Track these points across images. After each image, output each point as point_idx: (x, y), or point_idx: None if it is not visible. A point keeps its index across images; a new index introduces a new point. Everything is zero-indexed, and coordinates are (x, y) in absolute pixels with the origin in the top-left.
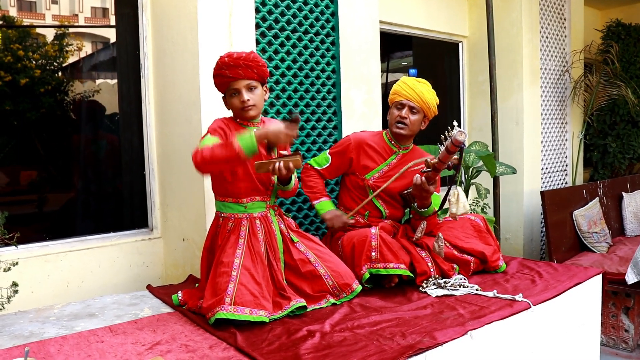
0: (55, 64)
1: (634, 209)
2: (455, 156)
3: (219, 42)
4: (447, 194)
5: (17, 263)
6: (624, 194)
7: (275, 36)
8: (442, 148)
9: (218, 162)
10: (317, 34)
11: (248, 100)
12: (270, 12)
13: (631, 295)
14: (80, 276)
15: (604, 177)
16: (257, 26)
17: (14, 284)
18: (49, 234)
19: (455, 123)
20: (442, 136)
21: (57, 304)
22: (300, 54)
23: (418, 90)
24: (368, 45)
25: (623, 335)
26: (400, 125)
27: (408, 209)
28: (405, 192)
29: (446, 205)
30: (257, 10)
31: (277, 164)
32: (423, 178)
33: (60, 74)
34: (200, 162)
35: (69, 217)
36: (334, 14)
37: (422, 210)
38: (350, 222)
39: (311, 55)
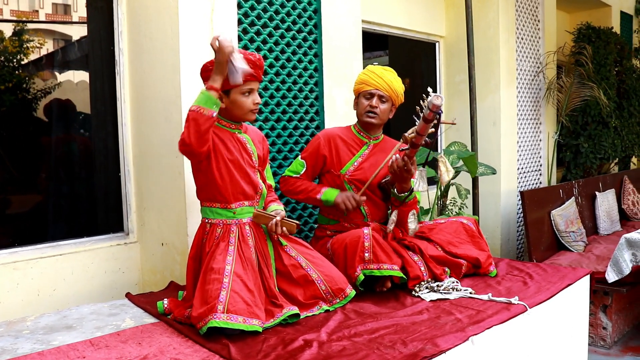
0: (16, 60)
1: (606, 208)
2: (432, 130)
3: (201, 38)
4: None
5: None
6: (597, 193)
7: (258, 33)
8: (419, 121)
9: (198, 134)
10: (299, 31)
11: (259, 102)
12: (252, 8)
13: (609, 294)
14: (52, 284)
15: (576, 176)
16: (239, 22)
17: None
18: (17, 239)
19: (429, 89)
20: (417, 107)
21: (30, 315)
22: (282, 51)
23: (387, 79)
24: (351, 44)
25: (601, 333)
26: (371, 114)
27: (389, 211)
28: (383, 181)
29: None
30: (239, 6)
31: (273, 222)
32: (404, 157)
33: (22, 71)
34: (185, 144)
35: (39, 221)
36: (317, 11)
37: (402, 195)
38: (364, 199)
39: (293, 53)
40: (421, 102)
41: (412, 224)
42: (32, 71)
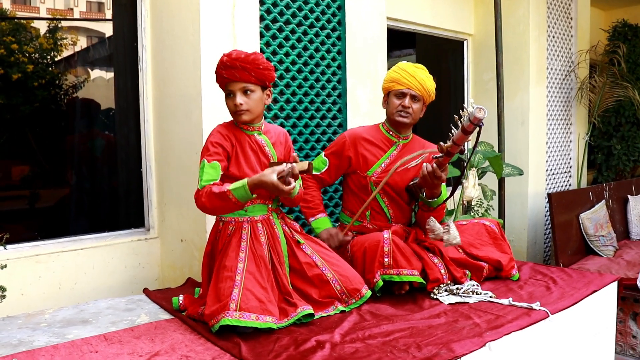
0: (49, 57)
1: (639, 212)
2: (470, 138)
3: (222, 34)
4: (460, 177)
5: (5, 266)
6: (629, 196)
7: (280, 29)
8: (455, 130)
9: (220, 211)
10: (322, 28)
11: (241, 104)
12: (274, 4)
13: None
14: (73, 278)
15: (607, 179)
16: (262, 18)
17: (2, 289)
18: (40, 232)
19: (471, 100)
20: (456, 116)
21: (49, 308)
22: (305, 48)
23: (419, 77)
24: (375, 41)
25: (631, 342)
26: (403, 114)
27: (413, 213)
28: (411, 183)
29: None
30: (262, 2)
31: (284, 167)
32: (434, 164)
33: (55, 68)
34: (204, 209)
35: (62, 215)
36: (340, 8)
37: (432, 200)
38: (348, 240)
39: (316, 50)
40: (460, 111)
41: (446, 235)
42: (64, 68)
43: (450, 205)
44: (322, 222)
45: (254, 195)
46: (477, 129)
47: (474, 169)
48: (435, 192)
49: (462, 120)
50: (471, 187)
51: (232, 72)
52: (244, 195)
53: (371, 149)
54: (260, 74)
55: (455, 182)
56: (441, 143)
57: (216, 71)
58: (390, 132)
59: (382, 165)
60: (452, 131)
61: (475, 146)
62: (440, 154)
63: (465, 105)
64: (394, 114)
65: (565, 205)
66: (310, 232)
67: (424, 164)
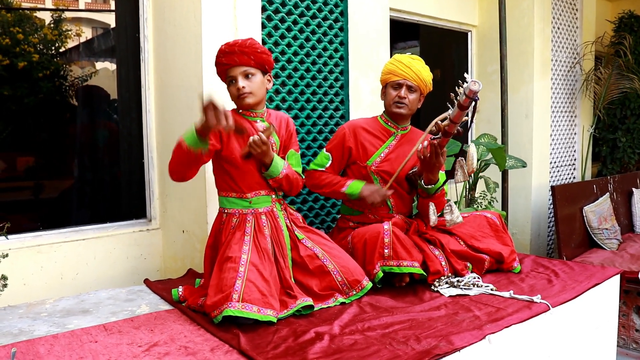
0: (54, 49)
1: None
2: (465, 117)
3: (223, 25)
4: (454, 162)
5: (7, 255)
6: (634, 189)
7: (282, 20)
8: (452, 108)
9: (180, 163)
10: (325, 18)
11: (243, 87)
12: None
13: None
14: (75, 268)
15: (612, 172)
16: (264, 9)
17: (4, 278)
18: (43, 223)
19: (466, 75)
20: (452, 94)
21: (49, 298)
22: (307, 39)
23: (415, 68)
24: (377, 32)
25: (634, 335)
26: (400, 105)
27: (414, 203)
28: (411, 172)
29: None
30: None
31: (250, 139)
32: (436, 146)
33: (59, 59)
34: (170, 170)
35: (64, 206)
36: None
37: (430, 187)
38: (390, 193)
39: (319, 41)
40: (456, 88)
41: (449, 215)
42: (69, 59)
43: (453, 197)
44: (355, 185)
45: (197, 142)
46: (473, 103)
47: (471, 144)
48: (433, 178)
49: (458, 97)
50: (474, 160)
51: (231, 57)
52: (189, 136)
53: (370, 139)
54: (259, 57)
55: (452, 168)
56: (439, 122)
57: (216, 62)
58: (389, 123)
59: (382, 155)
60: (449, 110)
61: (472, 120)
62: (438, 135)
63: (460, 81)
64: (391, 105)
65: (569, 198)
66: (312, 224)
67: (423, 144)
